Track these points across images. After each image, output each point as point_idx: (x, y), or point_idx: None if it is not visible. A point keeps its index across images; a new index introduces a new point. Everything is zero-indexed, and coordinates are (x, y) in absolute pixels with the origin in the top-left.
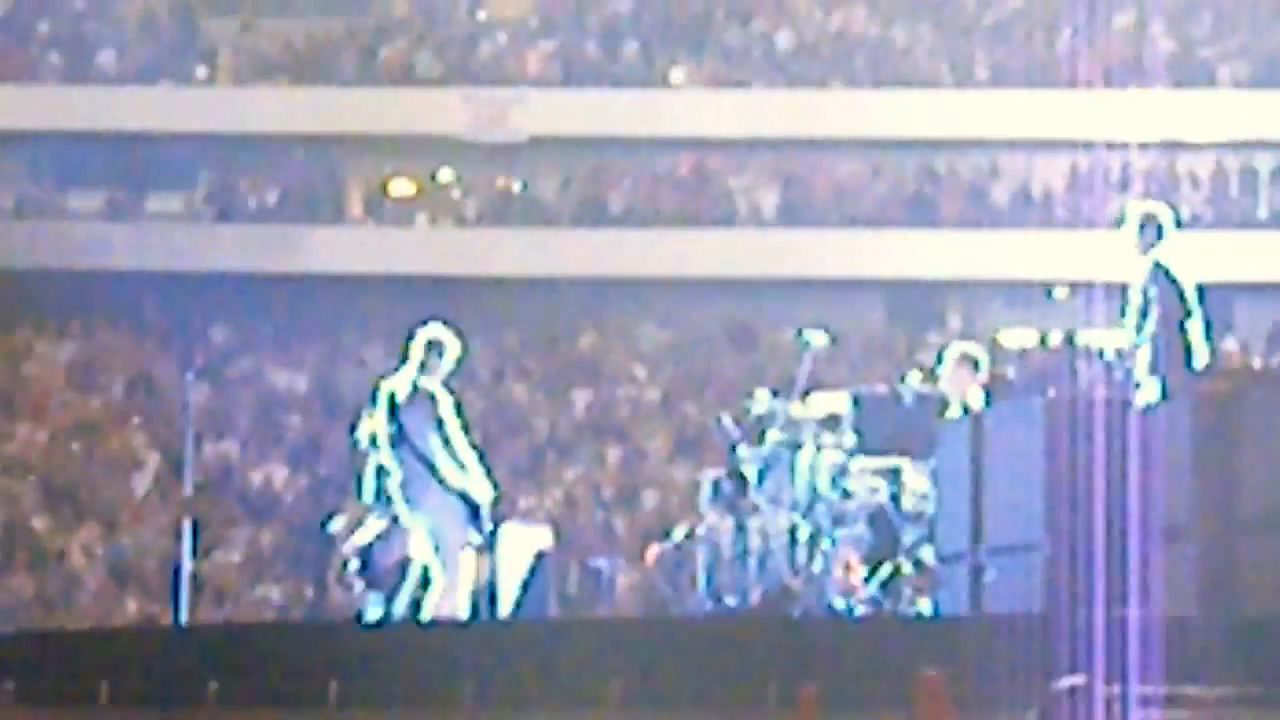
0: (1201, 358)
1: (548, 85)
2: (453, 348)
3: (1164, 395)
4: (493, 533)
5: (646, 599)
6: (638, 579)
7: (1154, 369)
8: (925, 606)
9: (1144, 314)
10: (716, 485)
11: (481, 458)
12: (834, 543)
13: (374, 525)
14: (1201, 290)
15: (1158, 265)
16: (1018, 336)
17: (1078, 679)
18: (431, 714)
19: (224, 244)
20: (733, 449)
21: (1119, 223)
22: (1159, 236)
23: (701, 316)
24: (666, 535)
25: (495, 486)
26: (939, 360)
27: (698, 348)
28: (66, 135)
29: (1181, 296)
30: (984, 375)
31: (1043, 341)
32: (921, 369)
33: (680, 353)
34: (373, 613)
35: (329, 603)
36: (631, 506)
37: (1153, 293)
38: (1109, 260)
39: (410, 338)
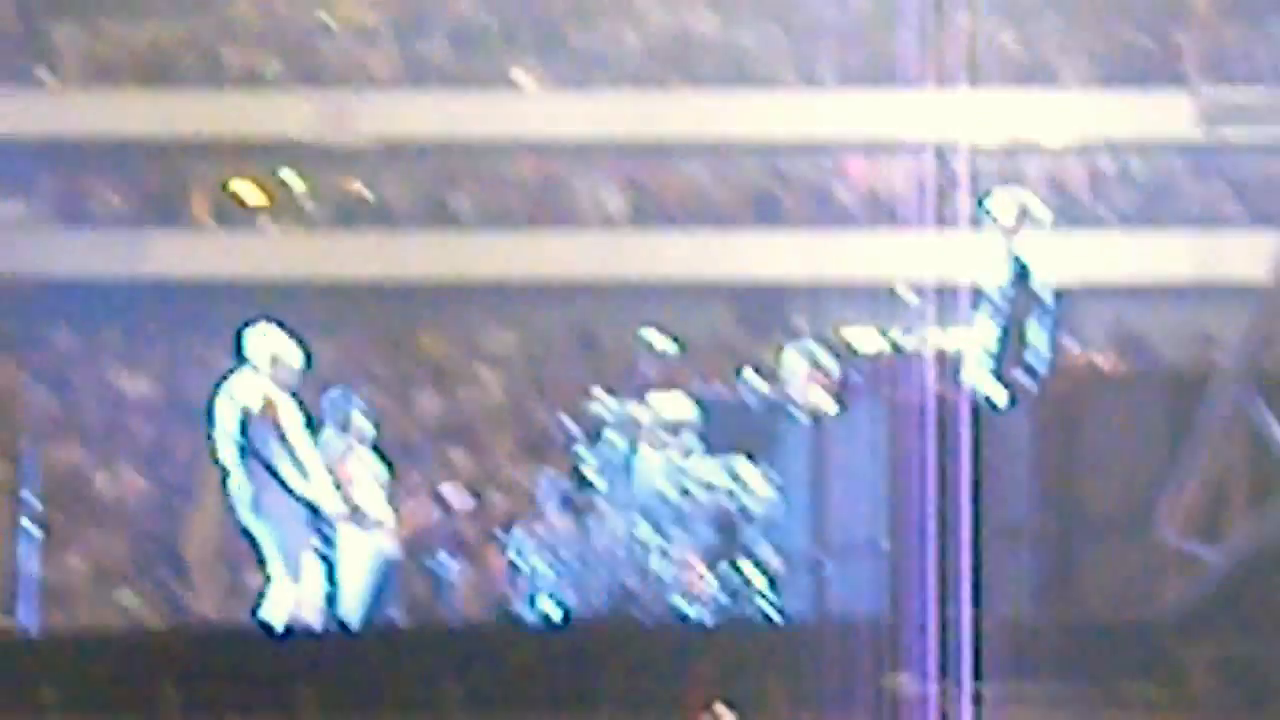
0: (1044, 357)
1: (393, 88)
2: (294, 353)
3: (1007, 395)
4: (336, 538)
5: (490, 602)
6: (481, 583)
7: (997, 369)
8: (768, 608)
9: (1001, 305)
10: (559, 488)
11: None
12: (676, 545)
13: None
14: (1056, 293)
15: (1016, 258)
16: (863, 337)
17: (907, 679)
18: None
19: (68, 249)
20: (574, 451)
21: (985, 211)
22: (1025, 223)
23: (547, 319)
24: (510, 538)
25: (339, 488)
26: (781, 362)
27: (543, 350)
28: None
29: (1033, 293)
30: (826, 376)
31: (888, 342)
32: (763, 371)
33: (526, 355)
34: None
35: (184, 607)
36: (476, 509)
37: (1010, 284)
38: (955, 261)
39: (247, 343)
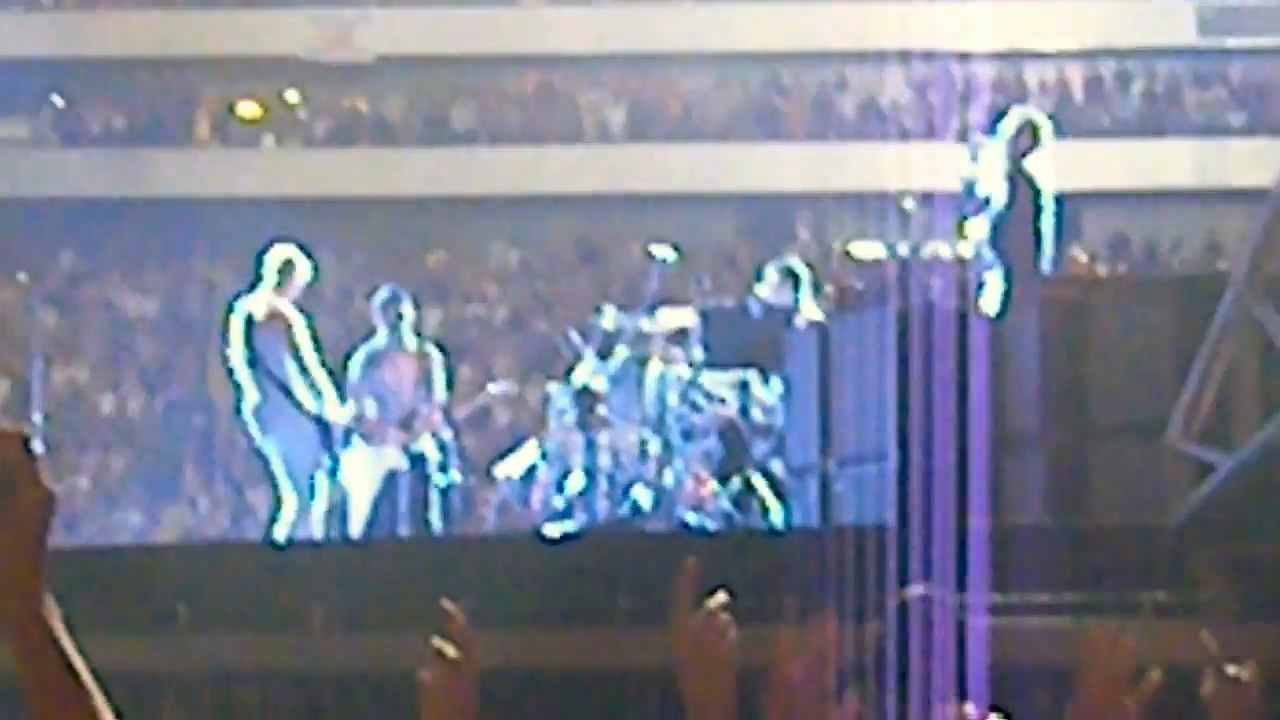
0: (1049, 264)
1: (393, 4)
2: (304, 268)
3: (1009, 303)
4: (342, 453)
5: (499, 517)
6: (489, 497)
7: (1003, 277)
8: (776, 519)
9: (998, 217)
10: (566, 401)
11: (335, 381)
12: (684, 457)
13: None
14: (1059, 200)
15: (1018, 169)
16: (867, 248)
17: (922, 589)
18: (282, 636)
19: (71, 169)
20: (580, 365)
21: (994, 127)
22: (1034, 145)
23: (550, 233)
24: (517, 452)
25: (344, 403)
26: (758, 277)
27: (547, 265)
28: None
29: (1038, 200)
30: (805, 291)
31: (891, 252)
32: (767, 281)
33: (529, 270)
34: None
35: (191, 526)
36: (482, 424)
37: (1013, 192)
38: (958, 170)
39: (262, 258)
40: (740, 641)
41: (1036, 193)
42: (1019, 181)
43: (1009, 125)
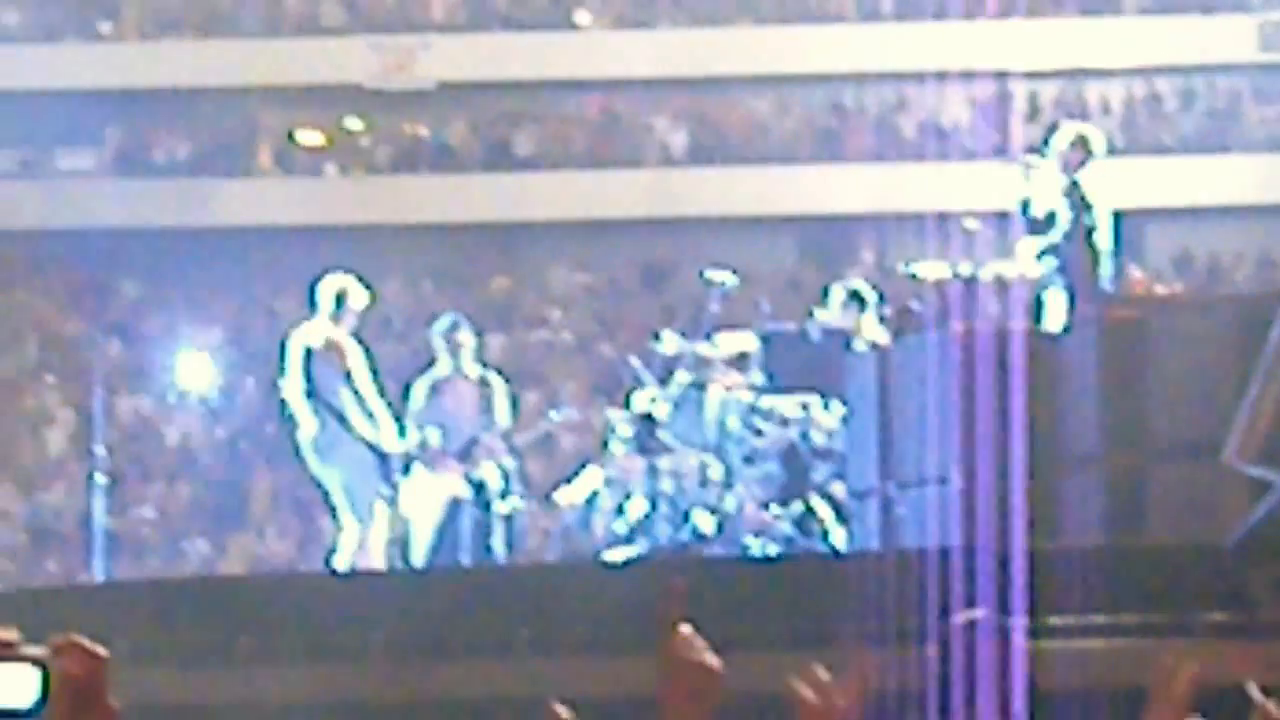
0: (1108, 284)
1: (454, 31)
2: (359, 297)
3: (1071, 322)
4: (403, 481)
5: (561, 543)
6: (551, 524)
7: (1065, 292)
8: (839, 543)
9: (1054, 234)
10: (628, 427)
11: (397, 409)
12: (745, 482)
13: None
14: (1117, 217)
15: (1073, 184)
16: (930, 269)
17: (978, 612)
18: (345, 666)
19: (134, 199)
20: (641, 390)
21: (1046, 142)
22: (1086, 158)
23: (613, 258)
24: (580, 478)
25: (402, 432)
26: (823, 299)
27: (610, 289)
28: None
29: (1091, 215)
30: (870, 313)
31: (955, 273)
32: (829, 304)
33: (593, 294)
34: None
35: (259, 555)
36: (544, 451)
37: (1071, 212)
38: (1015, 189)
39: (315, 289)
40: (793, 665)
41: (1089, 208)
42: (1073, 197)
43: (1061, 140)
